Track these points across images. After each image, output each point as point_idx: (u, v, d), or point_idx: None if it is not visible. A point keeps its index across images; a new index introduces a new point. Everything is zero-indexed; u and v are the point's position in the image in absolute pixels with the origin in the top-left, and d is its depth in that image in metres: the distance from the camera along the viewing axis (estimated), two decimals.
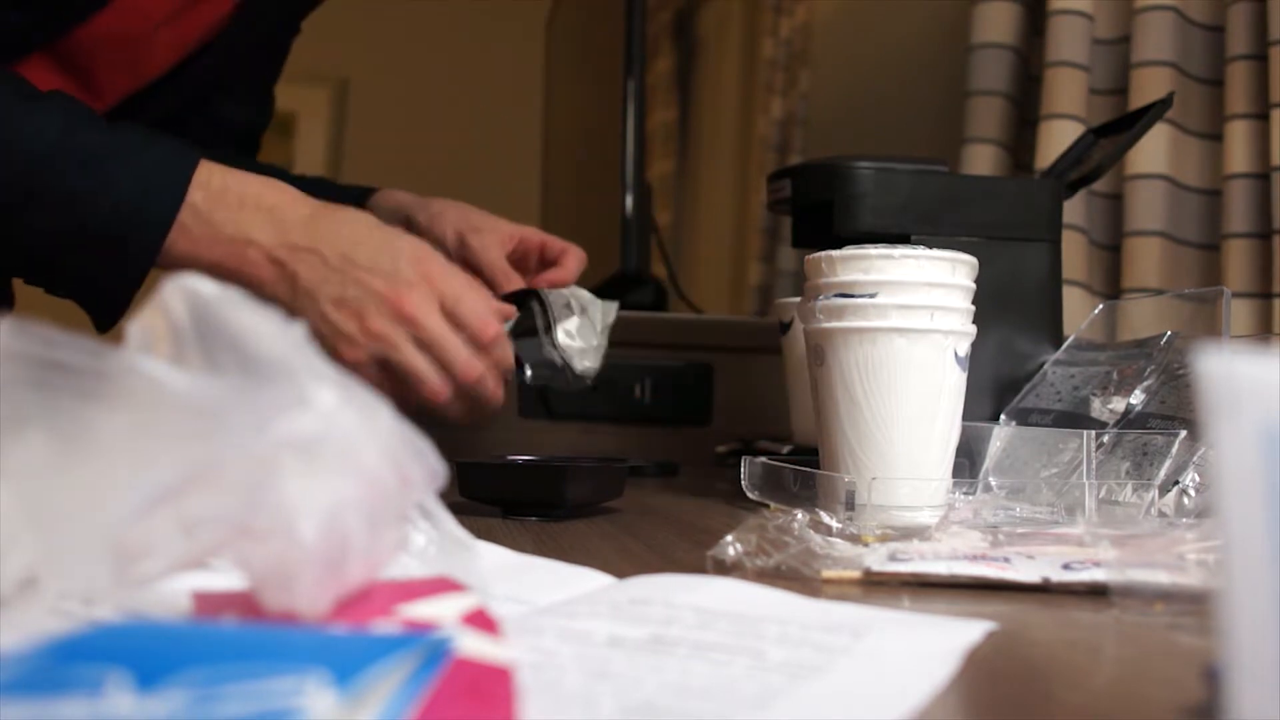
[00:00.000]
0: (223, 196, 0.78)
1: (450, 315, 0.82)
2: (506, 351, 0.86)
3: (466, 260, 1.01)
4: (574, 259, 1.04)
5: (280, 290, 0.80)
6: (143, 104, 0.97)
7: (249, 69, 1.10)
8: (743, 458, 0.74)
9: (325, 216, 0.80)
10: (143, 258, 0.77)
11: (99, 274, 0.78)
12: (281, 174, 1.06)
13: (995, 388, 0.83)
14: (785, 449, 0.95)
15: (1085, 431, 0.67)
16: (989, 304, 0.77)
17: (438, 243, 1.02)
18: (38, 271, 0.81)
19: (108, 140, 0.76)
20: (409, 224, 1.04)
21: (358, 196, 1.09)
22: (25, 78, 0.78)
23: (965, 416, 0.67)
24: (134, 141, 0.77)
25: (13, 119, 0.74)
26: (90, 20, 0.86)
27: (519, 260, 1.05)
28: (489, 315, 0.83)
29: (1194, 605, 0.43)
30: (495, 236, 1.02)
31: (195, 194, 0.77)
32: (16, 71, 0.80)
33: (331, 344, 0.80)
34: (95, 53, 0.90)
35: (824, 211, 0.83)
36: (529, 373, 0.92)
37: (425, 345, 0.81)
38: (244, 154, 1.17)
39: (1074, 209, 1.13)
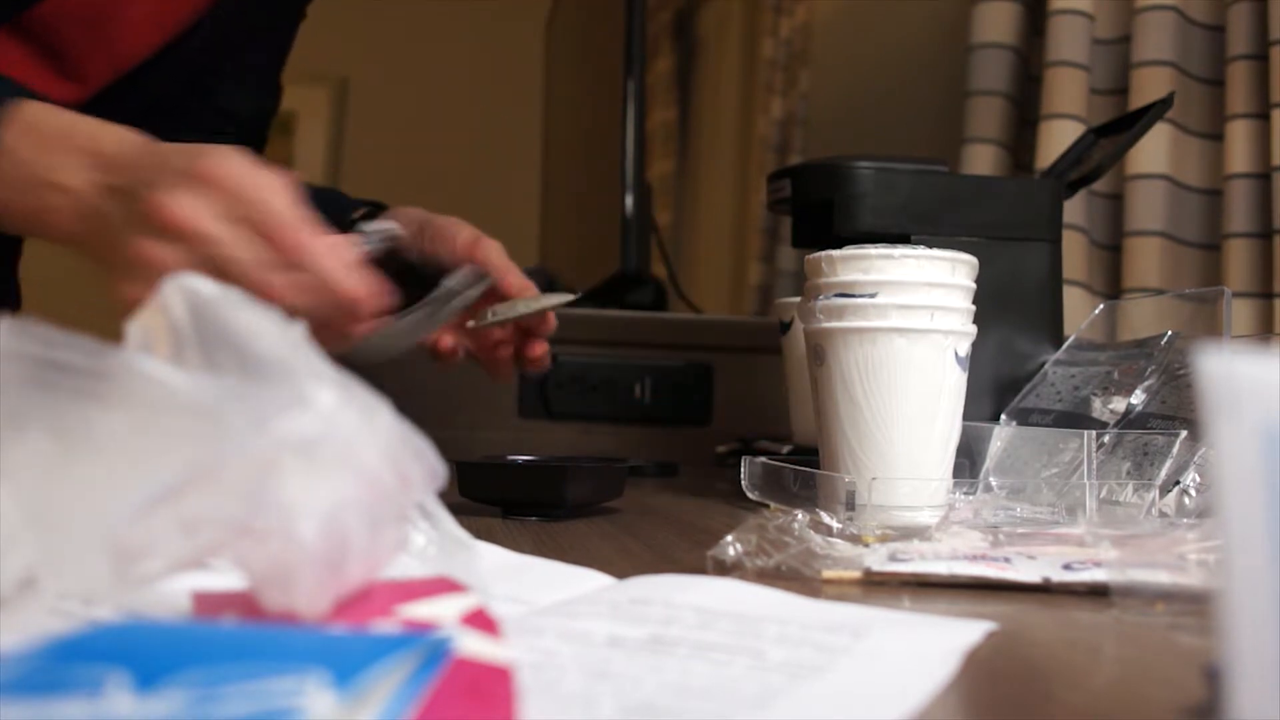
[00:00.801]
0: (40, 137, 0.65)
1: (243, 221, 0.63)
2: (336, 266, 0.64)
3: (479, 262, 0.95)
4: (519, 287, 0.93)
5: (89, 232, 0.66)
6: (128, 89, 0.93)
7: (245, 53, 1.06)
8: (743, 458, 0.74)
9: (139, 147, 0.66)
10: None
11: None
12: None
13: (996, 388, 0.83)
14: (785, 449, 0.95)
15: (1086, 431, 0.67)
16: (989, 304, 0.77)
17: (429, 264, 0.93)
18: None
19: None
20: (422, 236, 0.97)
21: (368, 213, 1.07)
22: None
23: (966, 416, 0.67)
24: None
25: None
26: None
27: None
28: (292, 221, 0.63)
29: (1194, 605, 0.43)
30: (444, 241, 0.93)
31: (17, 137, 0.65)
32: None
33: (109, 271, 0.65)
34: (63, 30, 0.84)
35: (824, 211, 0.83)
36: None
37: (211, 263, 0.62)
38: (250, 143, 1.14)
39: (1074, 209, 1.13)
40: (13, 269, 1.02)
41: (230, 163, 0.62)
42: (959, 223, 0.82)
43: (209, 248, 0.61)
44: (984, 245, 0.81)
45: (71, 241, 0.65)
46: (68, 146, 0.65)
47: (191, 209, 0.60)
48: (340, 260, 0.63)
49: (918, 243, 0.73)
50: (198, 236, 0.61)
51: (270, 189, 0.62)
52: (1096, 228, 1.18)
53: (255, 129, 1.14)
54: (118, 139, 0.65)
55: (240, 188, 0.61)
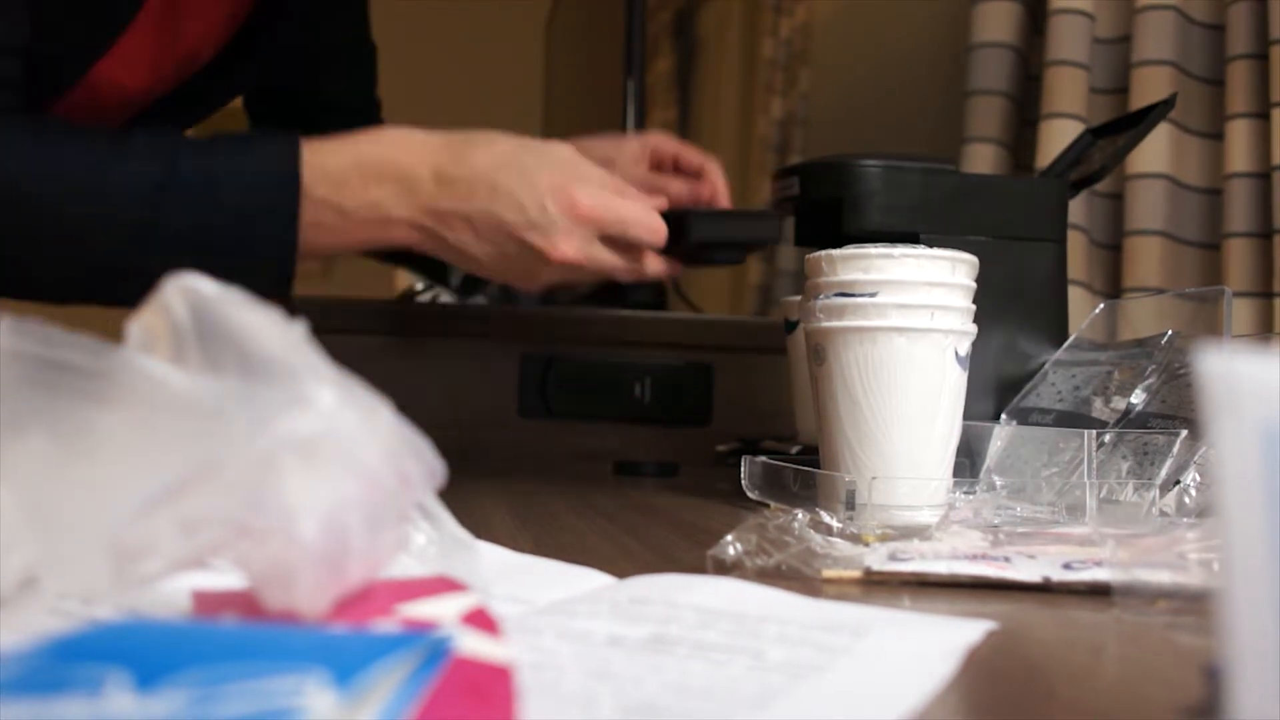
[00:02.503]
0: (345, 182, 0.76)
1: (616, 241, 0.81)
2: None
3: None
4: (715, 173, 1.03)
5: (433, 247, 0.80)
6: (220, 77, 0.98)
7: (320, 32, 1.07)
8: (743, 457, 0.74)
9: (453, 168, 0.77)
10: (283, 266, 0.76)
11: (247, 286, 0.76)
12: None
13: (1000, 387, 0.82)
14: (794, 449, 0.95)
15: (1086, 431, 0.67)
16: (995, 303, 0.77)
17: None
18: None
19: (208, 164, 0.74)
20: None
21: None
22: (100, 124, 0.78)
23: (968, 416, 0.67)
24: (235, 155, 0.75)
25: (109, 171, 0.73)
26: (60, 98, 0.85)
27: (656, 169, 1.04)
28: (652, 226, 0.82)
29: (1194, 604, 0.43)
30: (624, 169, 1.01)
31: (318, 188, 0.75)
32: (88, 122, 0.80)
33: (507, 281, 0.83)
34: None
35: (827, 210, 0.83)
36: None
37: (596, 272, 0.82)
38: (369, 121, 1.16)
39: (1074, 208, 1.13)
40: None
41: (585, 197, 0.78)
42: (966, 222, 0.82)
43: (590, 265, 0.80)
44: (990, 244, 0.81)
45: (416, 248, 0.80)
46: (374, 179, 0.76)
47: (578, 248, 0.79)
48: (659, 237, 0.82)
49: (925, 241, 0.73)
50: (582, 264, 0.80)
51: (620, 209, 0.80)
52: (1096, 227, 1.18)
53: (370, 119, 1.17)
54: (419, 160, 0.77)
55: (603, 220, 0.79)
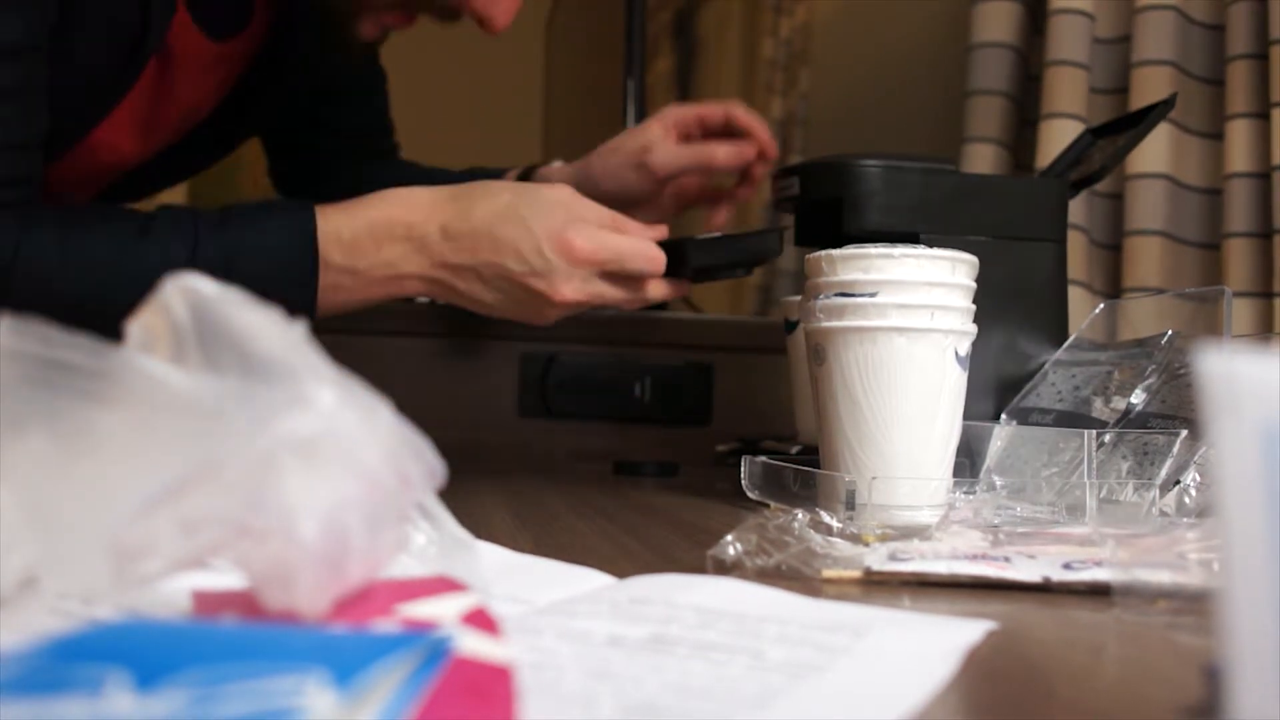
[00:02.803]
0: (359, 245, 0.81)
1: (616, 275, 0.84)
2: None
3: (661, 178, 1.03)
4: (748, 121, 1.04)
5: (445, 297, 0.85)
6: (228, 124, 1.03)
7: (305, 83, 1.10)
8: (743, 457, 0.74)
9: (457, 223, 0.82)
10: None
11: None
12: (440, 174, 1.14)
13: (1000, 387, 0.82)
14: (794, 449, 0.95)
15: (1086, 431, 0.67)
16: (995, 303, 0.77)
17: (629, 191, 1.04)
18: None
19: (229, 240, 0.79)
20: (589, 192, 1.06)
21: (520, 178, 1.12)
22: (126, 207, 0.82)
23: (968, 415, 0.67)
24: (254, 229, 0.80)
25: (136, 258, 0.77)
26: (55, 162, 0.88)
27: (687, 139, 1.05)
28: (650, 256, 0.84)
29: (1194, 604, 0.43)
30: (660, 144, 1.03)
31: (334, 255, 0.80)
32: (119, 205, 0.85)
33: (522, 321, 0.87)
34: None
35: (827, 210, 0.83)
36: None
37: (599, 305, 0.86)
38: (386, 155, 1.22)
39: (1074, 208, 1.13)
40: None
41: (582, 241, 0.81)
42: (967, 222, 0.82)
43: (593, 302, 0.84)
44: (991, 244, 0.81)
45: (429, 296, 0.86)
46: (384, 240, 0.81)
47: (579, 289, 0.83)
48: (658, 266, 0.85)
49: (925, 241, 0.73)
50: (585, 302, 0.84)
51: (616, 246, 0.83)
52: (1096, 227, 1.18)
53: (386, 142, 1.23)
54: (426, 217, 0.82)
55: (600, 260, 0.82)
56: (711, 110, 1.05)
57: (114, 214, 0.81)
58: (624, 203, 1.02)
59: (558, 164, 1.12)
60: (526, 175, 1.12)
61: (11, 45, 0.75)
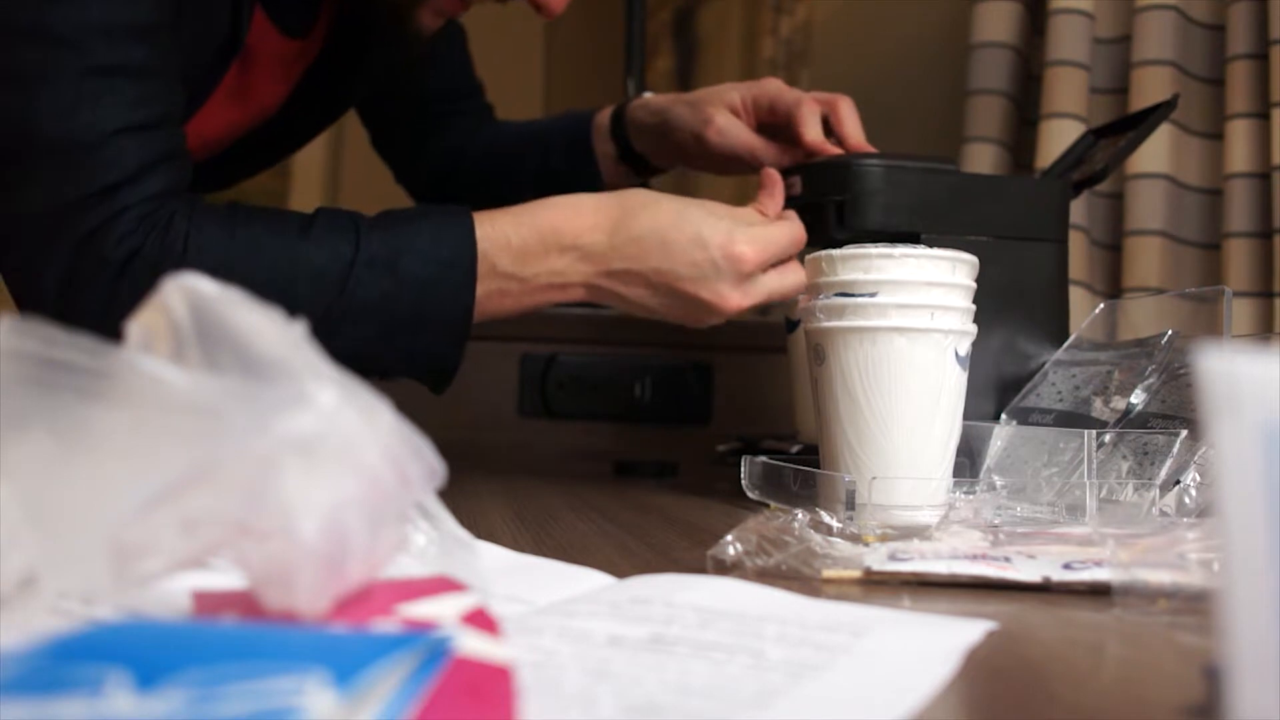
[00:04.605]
0: (527, 252, 0.82)
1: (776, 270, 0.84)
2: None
3: (715, 154, 1.02)
4: (808, 123, 1.01)
5: (609, 302, 0.86)
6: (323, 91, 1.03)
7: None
8: (743, 457, 0.74)
9: (623, 231, 0.83)
10: (460, 332, 0.82)
11: (425, 357, 0.83)
12: (534, 126, 1.18)
13: (1001, 387, 0.83)
14: (794, 449, 0.95)
15: (1086, 431, 0.67)
16: (997, 303, 0.77)
17: (691, 153, 1.04)
18: (366, 371, 0.84)
19: (392, 242, 0.80)
20: (668, 139, 1.06)
21: (614, 115, 1.12)
22: (284, 210, 0.83)
23: (969, 415, 0.67)
24: (413, 232, 0.81)
25: (303, 255, 0.78)
26: None
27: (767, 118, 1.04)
28: (799, 238, 0.84)
29: (1195, 604, 0.43)
30: (726, 116, 1.02)
31: (502, 260, 0.81)
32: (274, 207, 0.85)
33: (686, 323, 0.87)
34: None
35: (827, 210, 0.83)
36: None
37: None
38: (480, 114, 1.24)
39: (1075, 208, 1.13)
40: None
41: (746, 247, 0.81)
42: (968, 221, 0.82)
43: (760, 304, 0.84)
44: (992, 244, 0.81)
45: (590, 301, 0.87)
46: (551, 249, 0.82)
47: (746, 295, 0.83)
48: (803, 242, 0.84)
49: (926, 241, 0.73)
50: (754, 306, 0.84)
51: (778, 241, 0.82)
52: (1096, 227, 1.18)
53: (479, 101, 1.25)
54: (591, 227, 0.82)
55: (768, 259, 0.82)
56: (786, 97, 1.02)
57: (274, 211, 0.82)
58: (690, 157, 1.04)
59: (649, 95, 1.13)
60: (620, 110, 1.12)
61: (146, 25, 0.76)
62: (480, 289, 0.81)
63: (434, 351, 0.82)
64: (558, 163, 1.15)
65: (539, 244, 0.82)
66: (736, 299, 0.82)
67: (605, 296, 0.85)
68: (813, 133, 0.97)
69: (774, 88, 1.03)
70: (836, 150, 0.96)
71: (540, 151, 1.17)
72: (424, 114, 1.20)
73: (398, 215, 0.82)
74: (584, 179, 1.12)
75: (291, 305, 0.77)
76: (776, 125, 1.01)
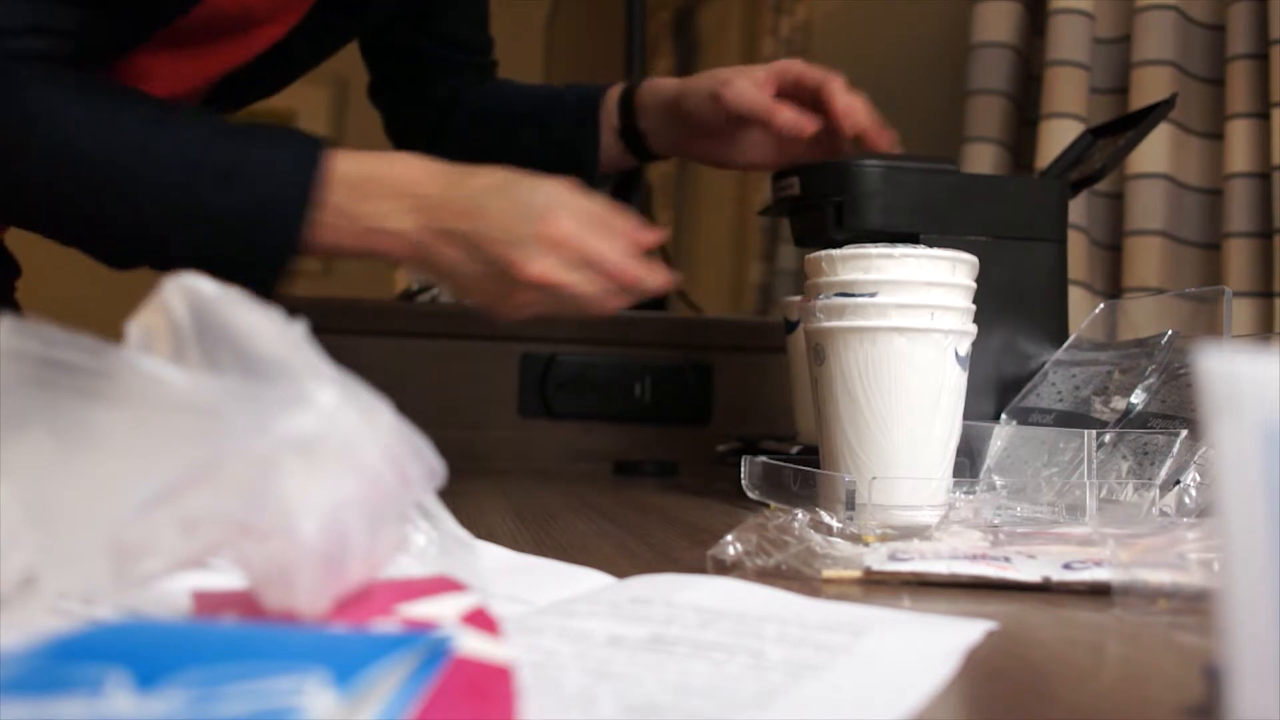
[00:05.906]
0: (361, 189, 0.80)
1: (592, 264, 0.80)
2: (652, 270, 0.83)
3: (731, 114, 1.00)
4: (838, 91, 1.00)
5: (421, 263, 0.83)
6: (332, 19, 0.99)
7: None
8: (743, 457, 0.74)
9: (457, 187, 0.81)
10: (282, 256, 0.80)
11: (245, 273, 0.79)
12: (539, 90, 1.16)
13: (1000, 387, 0.83)
14: (794, 449, 0.95)
15: (1086, 431, 0.67)
16: (996, 303, 0.77)
17: (704, 119, 1.02)
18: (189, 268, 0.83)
19: (243, 149, 0.78)
20: (679, 113, 1.04)
21: (625, 90, 1.11)
22: (146, 93, 0.81)
23: (968, 415, 0.67)
24: (267, 146, 0.79)
25: (159, 131, 0.77)
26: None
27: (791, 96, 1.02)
28: (623, 261, 0.81)
29: (1195, 604, 0.43)
30: (747, 79, 1.00)
31: (337, 192, 0.79)
32: (135, 88, 0.82)
33: (486, 307, 0.84)
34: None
35: (827, 210, 0.83)
36: None
37: (564, 300, 0.82)
38: (485, 69, 1.21)
39: (1074, 208, 1.13)
40: (11, 289, 1.03)
41: (567, 222, 0.79)
42: (967, 221, 0.82)
43: (564, 291, 0.79)
44: (991, 244, 0.81)
45: (401, 264, 0.84)
46: (385, 192, 0.80)
47: (550, 269, 0.79)
48: (649, 276, 0.82)
49: (925, 241, 0.73)
50: (556, 286, 0.79)
51: (600, 235, 0.80)
52: (1096, 227, 1.18)
53: (485, 57, 1.22)
54: (428, 179, 0.80)
55: (582, 245, 0.79)
56: (812, 76, 1.00)
57: (137, 91, 0.80)
58: (699, 131, 1.03)
59: (664, 81, 1.11)
60: (630, 90, 1.11)
61: None
62: (313, 217, 0.80)
63: (255, 276, 0.80)
64: (560, 129, 1.12)
65: (375, 184, 0.80)
66: (538, 267, 0.79)
67: (426, 257, 0.82)
68: (844, 100, 0.96)
69: (799, 65, 1.01)
70: (867, 116, 0.96)
71: (545, 113, 1.14)
72: (431, 57, 1.18)
73: (257, 129, 0.81)
74: (581, 152, 1.10)
75: (140, 184, 0.78)
76: (801, 99, 1.00)
